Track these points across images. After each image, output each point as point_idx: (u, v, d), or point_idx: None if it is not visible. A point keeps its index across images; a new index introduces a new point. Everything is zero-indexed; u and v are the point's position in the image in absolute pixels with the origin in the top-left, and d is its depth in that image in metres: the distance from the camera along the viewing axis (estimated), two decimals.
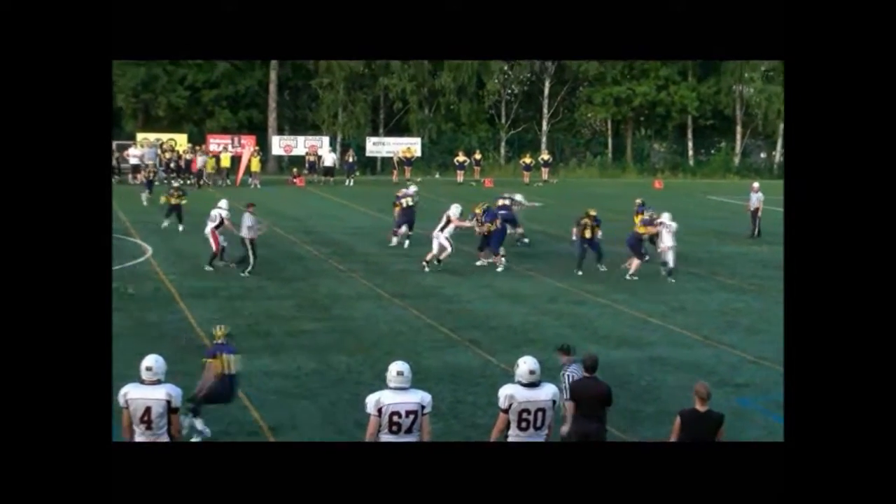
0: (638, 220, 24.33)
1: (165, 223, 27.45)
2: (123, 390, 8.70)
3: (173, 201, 27.40)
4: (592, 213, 22.81)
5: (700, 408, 8.85)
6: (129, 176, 42.03)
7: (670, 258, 22.01)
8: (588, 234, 22.45)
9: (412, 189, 27.90)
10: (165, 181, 38.76)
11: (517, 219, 26.03)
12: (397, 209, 26.56)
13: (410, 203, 26.12)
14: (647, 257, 22.07)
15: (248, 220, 21.25)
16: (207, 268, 21.47)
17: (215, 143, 45.57)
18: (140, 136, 45.12)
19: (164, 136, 45.26)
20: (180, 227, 26.95)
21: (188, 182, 40.84)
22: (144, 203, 33.05)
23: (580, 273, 21.94)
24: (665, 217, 22.40)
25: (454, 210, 23.18)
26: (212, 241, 21.73)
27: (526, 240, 26.02)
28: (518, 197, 26.96)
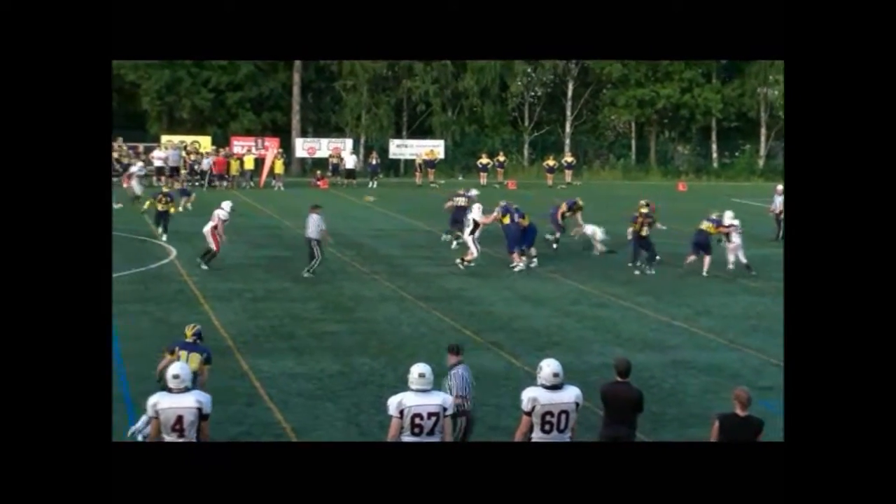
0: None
1: (164, 236, 26.19)
2: (153, 400, 8.63)
3: (160, 207, 26.42)
4: (644, 210, 22.75)
5: (740, 413, 8.79)
6: (154, 178, 42.17)
7: (733, 258, 22.10)
8: (644, 233, 22.40)
9: (473, 192, 27.42)
10: (189, 183, 38.85)
11: (561, 223, 25.86)
12: (449, 204, 26.62)
13: (462, 203, 25.85)
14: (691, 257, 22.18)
15: (313, 221, 21.25)
16: (203, 266, 21.69)
17: (239, 145, 45.69)
18: (164, 138, 45.31)
19: (189, 139, 45.43)
20: (164, 237, 26.02)
21: (212, 184, 40.98)
22: (180, 209, 32.08)
23: (637, 272, 22.12)
24: (728, 216, 22.41)
25: (476, 212, 23.15)
26: (211, 240, 21.90)
27: (555, 245, 25.77)
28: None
